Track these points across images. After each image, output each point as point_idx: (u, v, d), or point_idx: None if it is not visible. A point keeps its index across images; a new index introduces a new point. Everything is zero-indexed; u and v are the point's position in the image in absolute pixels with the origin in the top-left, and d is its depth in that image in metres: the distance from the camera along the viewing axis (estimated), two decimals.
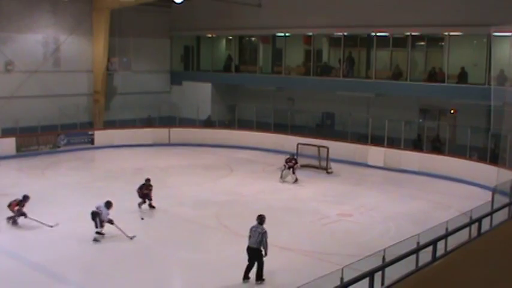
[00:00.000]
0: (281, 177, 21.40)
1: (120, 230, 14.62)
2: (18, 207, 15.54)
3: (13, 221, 15.62)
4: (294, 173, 21.23)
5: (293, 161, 21.53)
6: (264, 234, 12.07)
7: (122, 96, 30.53)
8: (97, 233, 14.60)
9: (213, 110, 30.56)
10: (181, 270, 13.22)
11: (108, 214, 14.77)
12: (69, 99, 28.20)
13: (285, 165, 21.49)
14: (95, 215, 14.72)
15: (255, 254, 12.10)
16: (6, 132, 25.30)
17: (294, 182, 21.06)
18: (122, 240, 14.68)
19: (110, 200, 15.06)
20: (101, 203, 14.86)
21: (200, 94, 31.22)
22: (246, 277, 12.20)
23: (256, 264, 12.13)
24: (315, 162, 23.52)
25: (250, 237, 12.22)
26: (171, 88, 32.98)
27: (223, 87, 31.48)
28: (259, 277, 12.16)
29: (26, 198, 15.78)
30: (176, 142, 28.36)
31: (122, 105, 29.82)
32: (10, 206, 15.64)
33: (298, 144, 24.17)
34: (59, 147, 26.38)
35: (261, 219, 12.40)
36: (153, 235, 15.20)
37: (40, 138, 25.93)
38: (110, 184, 20.75)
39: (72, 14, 28.29)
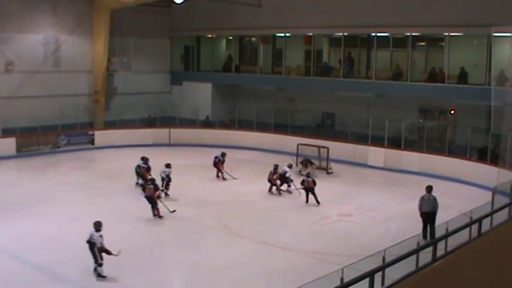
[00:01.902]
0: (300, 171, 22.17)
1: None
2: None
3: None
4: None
5: (308, 164, 22.43)
6: (436, 199, 14.83)
7: (122, 96, 30.52)
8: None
9: (213, 110, 30.54)
10: (181, 270, 13.22)
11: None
12: (69, 99, 28.20)
13: (302, 166, 22.51)
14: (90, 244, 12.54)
15: (431, 216, 14.73)
16: (6, 132, 25.29)
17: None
18: (121, 240, 14.67)
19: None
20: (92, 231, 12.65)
21: (200, 94, 31.21)
22: (425, 236, 14.44)
23: (429, 225, 14.63)
24: (315, 163, 23.49)
25: (421, 205, 14.82)
26: (171, 88, 32.97)
27: (223, 87, 31.47)
28: (433, 235, 14.28)
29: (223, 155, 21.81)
30: (176, 142, 28.36)
31: (122, 106, 29.81)
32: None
33: (298, 144, 24.18)
34: (59, 147, 26.37)
35: (430, 188, 15.07)
36: (153, 235, 15.19)
37: (40, 138, 25.93)
38: (110, 184, 20.75)
39: (72, 14, 28.28)
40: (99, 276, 12.19)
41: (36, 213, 16.66)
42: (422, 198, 14.88)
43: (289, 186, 19.65)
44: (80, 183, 20.66)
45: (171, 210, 16.83)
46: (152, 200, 16.47)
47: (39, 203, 17.68)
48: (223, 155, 21.99)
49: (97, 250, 12.16)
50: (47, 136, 26.18)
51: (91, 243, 12.21)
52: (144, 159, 20.31)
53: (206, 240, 14.96)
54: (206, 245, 14.51)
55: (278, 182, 19.64)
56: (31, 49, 27.15)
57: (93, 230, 12.31)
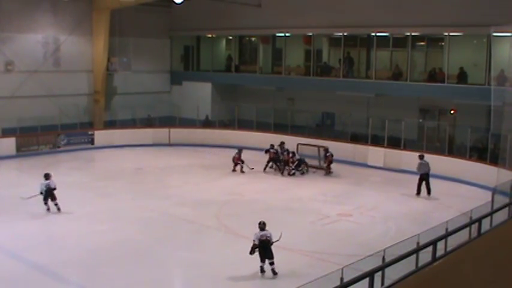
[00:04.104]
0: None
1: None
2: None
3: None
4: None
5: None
6: (428, 164, 19.58)
7: (121, 96, 30.52)
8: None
9: (213, 110, 30.54)
10: (181, 270, 13.22)
11: None
12: (69, 99, 28.22)
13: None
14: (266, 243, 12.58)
15: (426, 177, 19.45)
16: (6, 132, 25.29)
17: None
18: (121, 240, 14.69)
19: None
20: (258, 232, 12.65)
21: (200, 94, 31.22)
22: (418, 194, 19.45)
23: (425, 183, 19.34)
24: (315, 162, 23.52)
25: (419, 168, 19.58)
26: (171, 88, 32.98)
27: (223, 87, 31.48)
28: (430, 191, 19.40)
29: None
30: (176, 142, 28.37)
31: (122, 105, 29.82)
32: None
33: (298, 144, 24.18)
34: (59, 147, 26.38)
35: (422, 156, 19.94)
36: (153, 235, 15.19)
37: (40, 138, 25.93)
38: (110, 184, 20.76)
39: (72, 14, 28.29)
40: (275, 273, 12.36)
41: (36, 213, 16.66)
42: (420, 164, 19.63)
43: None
44: (79, 183, 20.66)
45: (251, 167, 22.63)
46: (236, 162, 22.54)
47: (39, 203, 17.66)
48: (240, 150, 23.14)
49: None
50: (47, 136, 26.18)
51: (266, 242, 12.37)
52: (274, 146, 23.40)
53: (206, 240, 14.96)
54: (206, 245, 14.52)
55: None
56: (31, 49, 27.16)
57: (259, 230, 12.47)
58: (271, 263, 12.40)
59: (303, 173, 22.63)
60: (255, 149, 27.10)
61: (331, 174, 22.72)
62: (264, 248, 12.40)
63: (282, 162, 22.79)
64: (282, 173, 22.50)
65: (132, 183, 20.86)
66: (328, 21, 26.53)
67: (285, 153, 22.92)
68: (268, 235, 12.47)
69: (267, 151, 23.17)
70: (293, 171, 22.45)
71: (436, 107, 25.28)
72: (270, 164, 23.02)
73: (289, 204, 18.42)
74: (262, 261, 12.44)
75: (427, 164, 19.66)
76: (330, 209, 17.84)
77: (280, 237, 12.64)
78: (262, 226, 12.58)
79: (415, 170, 22.69)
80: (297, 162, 22.52)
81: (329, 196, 19.63)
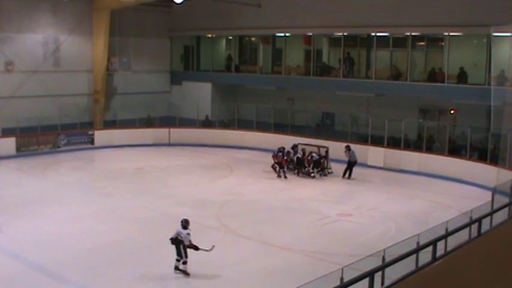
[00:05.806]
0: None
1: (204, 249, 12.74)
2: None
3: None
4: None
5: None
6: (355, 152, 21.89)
7: (121, 96, 30.54)
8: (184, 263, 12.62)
9: (212, 110, 30.54)
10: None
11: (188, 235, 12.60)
12: (69, 99, 28.22)
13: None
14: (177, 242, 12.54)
15: (355, 164, 21.88)
16: (6, 132, 25.29)
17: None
18: (121, 240, 14.69)
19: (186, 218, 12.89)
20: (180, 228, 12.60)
21: (200, 94, 31.22)
22: (344, 176, 21.75)
23: (350, 170, 21.76)
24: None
25: (351, 157, 21.92)
26: (171, 88, 33.00)
27: (223, 87, 31.49)
28: (350, 176, 21.82)
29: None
30: (176, 142, 28.37)
31: (121, 105, 29.82)
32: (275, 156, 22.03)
33: (298, 144, 24.16)
34: (59, 147, 26.38)
35: (349, 146, 22.13)
36: (153, 235, 15.18)
37: (40, 138, 25.93)
38: (110, 184, 20.77)
39: (72, 14, 28.30)
40: (185, 273, 12.32)
41: (36, 213, 16.66)
42: (353, 153, 22.03)
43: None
44: (80, 183, 20.68)
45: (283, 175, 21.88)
46: (281, 165, 21.73)
47: (39, 203, 17.69)
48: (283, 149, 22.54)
49: (183, 247, 12.31)
50: (47, 136, 26.17)
51: (178, 241, 12.35)
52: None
53: (206, 240, 14.92)
54: (206, 245, 14.49)
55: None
56: (31, 49, 27.15)
57: (181, 227, 12.45)
58: (177, 260, 12.39)
59: (325, 175, 22.41)
60: (255, 149, 27.22)
61: (332, 173, 22.73)
62: (175, 244, 12.38)
63: (293, 163, 22.43)
64: (298, 174, 22.32)
65: (132, 183, 20.86)
66: (328, 21, 26.52)
67: (301, 153, 22.57)
68: (182, 235, 12.32)
69: (277, 154, 22.28)
70: (313, 174, 22.01)
71: (436, 107, 25.28)
72: (278, 169, 22.01)
73: (289, 204, 18.42)
74: (179, 259, 12.43)
75: (354, 153, 22.06)
76: (330, 209, 17.84)
77: (210, 249, 12.54)
78: (183, 224, 12.51)
79: (415, 169, 22.90)
80: (312, 164, 22.10)
81: (329, 196, 19.63)
